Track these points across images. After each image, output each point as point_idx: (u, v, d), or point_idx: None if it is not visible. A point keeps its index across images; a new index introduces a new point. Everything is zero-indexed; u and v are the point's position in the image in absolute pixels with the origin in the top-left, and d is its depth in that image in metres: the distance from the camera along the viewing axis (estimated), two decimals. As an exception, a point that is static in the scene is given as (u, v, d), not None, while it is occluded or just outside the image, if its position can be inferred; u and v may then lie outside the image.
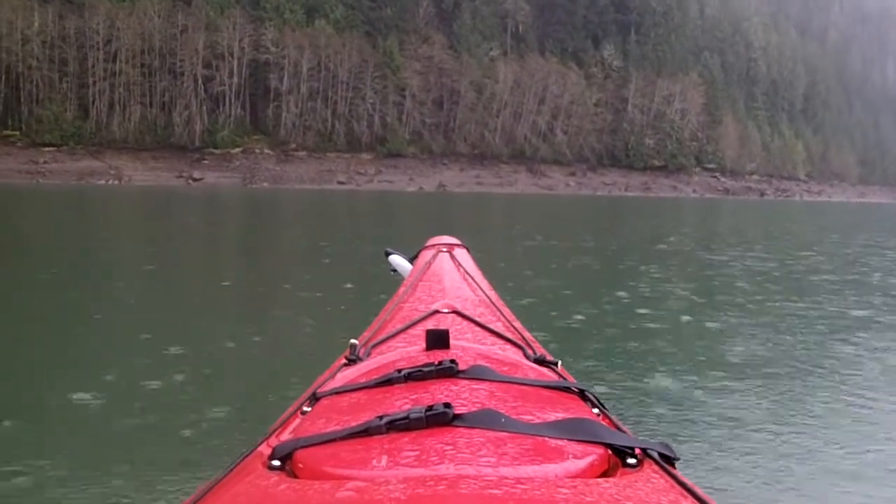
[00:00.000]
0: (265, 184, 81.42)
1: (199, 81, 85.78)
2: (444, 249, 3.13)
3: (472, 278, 2.69)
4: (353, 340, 1.81)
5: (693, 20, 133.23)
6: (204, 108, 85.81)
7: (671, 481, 0.98)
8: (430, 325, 1.90)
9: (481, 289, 2.55)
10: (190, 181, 79.06)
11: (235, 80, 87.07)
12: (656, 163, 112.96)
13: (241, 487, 1.00)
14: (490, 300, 2.41)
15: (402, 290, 2.56)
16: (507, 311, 2.34)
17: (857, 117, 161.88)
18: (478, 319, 2.04)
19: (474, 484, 0.90)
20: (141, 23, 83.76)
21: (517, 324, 2.17)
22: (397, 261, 3.60)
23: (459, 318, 2.06)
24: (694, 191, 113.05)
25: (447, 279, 2.62)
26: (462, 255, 3.15)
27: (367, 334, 2.03)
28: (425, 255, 3.15)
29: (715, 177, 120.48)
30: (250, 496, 0.97)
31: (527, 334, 2.04)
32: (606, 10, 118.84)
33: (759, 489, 4.01)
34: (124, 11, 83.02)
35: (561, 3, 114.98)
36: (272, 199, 48.73)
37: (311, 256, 15.28)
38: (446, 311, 2.13)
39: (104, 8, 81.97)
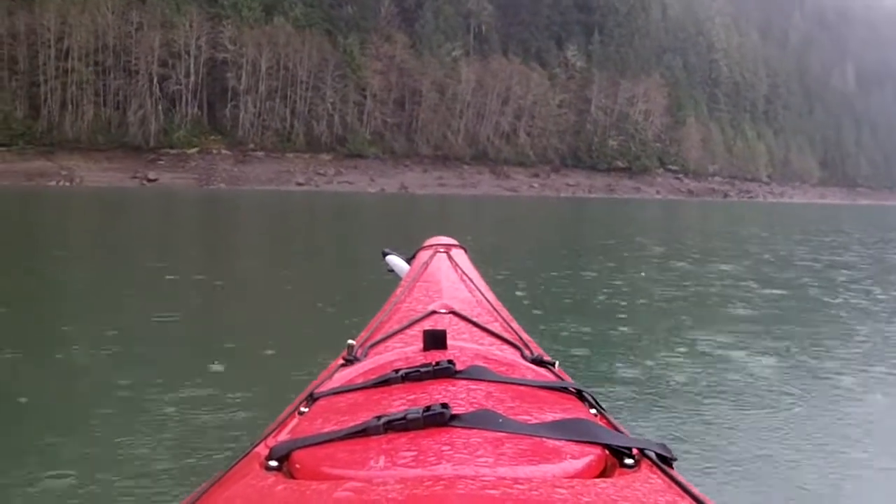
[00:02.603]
0: (222, 185, 79.68)
1: (155, 80, 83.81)
2: (442, 250, 3.16)
3: (470, 279, 2.71)
4: (350, 341, 1.83)
5: (656, 21, 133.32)
6: (159, 107, 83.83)
7: (669, 481, 0.98)
8: (428, 325, 1.93)
9: (478, 289, 2.57)
10: (144, 182, 77.08)
11: (192, 78, 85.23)
12: (620, 164, 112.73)
13: (239, 488, 1.01)
14: (487, 301, 2.41)
15: (399, 290, 2.59)
16: (504, 311, 2.34)
17: (817, 120, 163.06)
18: (475, 320, 2.06)
19: (472, 484, 0.90)
20: (94, 20, 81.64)
21: (514, 324, 2.16)
22: (394, 261, 3.67)
23: (457, 319, 2.07)
24: (657, 192, 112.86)
25: (444, 279, 2.64)
26: (459, 255, 3.16)
27: (364, 335, 2.04)
28: (422, 256, 3.18)
29: (678, 178, 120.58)
30: (247, 497, 0.97)
31: (524, 335, 2.03)
32: (569, 10, 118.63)
33: (757, 490, 3.96)
34: (76, 8, 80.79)
35: (524, 3, 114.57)
36: (233, 202, 47.08)
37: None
38: (443, 311, 2.14)
39: (55, 4, 79.81)
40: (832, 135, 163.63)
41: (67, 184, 72.03)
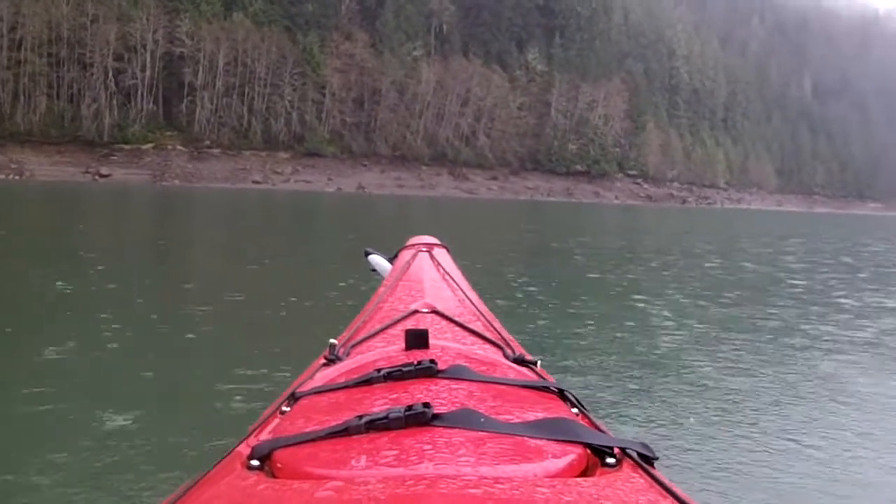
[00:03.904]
0: (176, 181, 78.47)
1: (110, 74, 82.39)
2: (424, 249, 3.17)
3: (452, 278, 2.73)
4: (332, 340, 1.84)
5: (617, 26, 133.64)
6: (114, 101, 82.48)
7: (650, 481, 0.99)
8: (410, 324, 1.95)
9: (461, 289, 2.60)
10: (97, 177, 75.71)
11: (148, 73, 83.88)
12: (579, 168, 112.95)
13: (221, 487, 1.00)
14: (469, 300, 2.45)
15: (381, 289, 2.60)
16: (486, 310, 2.38)
17: (775, 128, 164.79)
18: (457, 319, 2.08)
19: (453, 483, 0.90)
20: (48, 10, 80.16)
21: (496, 323, 2.21)
22: (377, 260, 3.66)
23: (439, 318, 2.09)
24: (616, 197, 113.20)
25: (427, 279, 2.65)
26: (441, 254, 3.18)
27: (346, 334, 2.04)
28: (405, 255, 3.20)
29: (637, 183, 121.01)
30: (229, 496, 0.97)
31: (506, 334, 2.08)
32: (531, 13, 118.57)
33: (739, 489, 4.03)
34: (30, -2, 79.36)
35: (486, 4, 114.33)
36: (188, 199, 46.35)
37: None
38: (426, 310, 2.16)
39: (9, -6, 78.31)
40: (789, 143, 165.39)
41: (17, 177, 70.60)
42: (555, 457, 1.03)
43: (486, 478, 0.93)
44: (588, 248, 22.09)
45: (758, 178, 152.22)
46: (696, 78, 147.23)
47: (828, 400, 6.05)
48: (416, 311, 2.13)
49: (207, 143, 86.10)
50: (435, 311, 2.13)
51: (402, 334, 1.71)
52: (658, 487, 0.96)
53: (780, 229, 44.83)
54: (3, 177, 69.54)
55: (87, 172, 76.51)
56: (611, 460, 1.05)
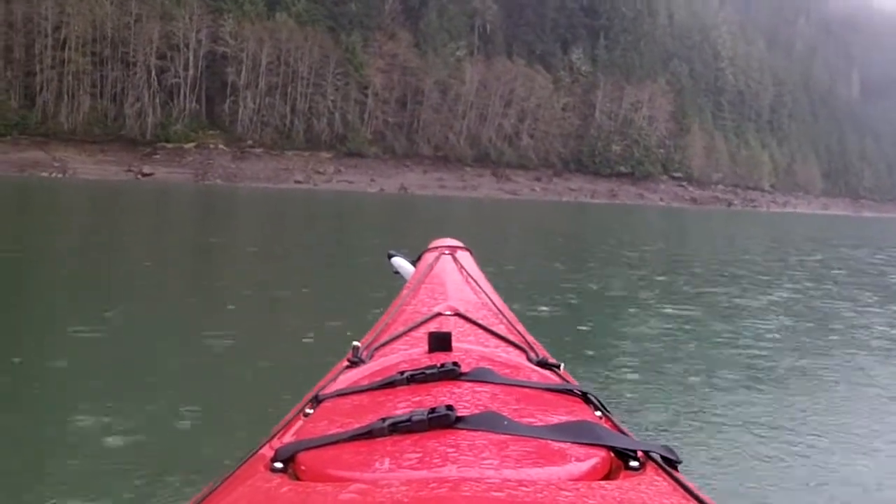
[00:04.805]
0: (218, 181, 78.27)
1: (153, 73, 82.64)
2: (447, 252, 3.14)
3: (475, 281, 2.70)
4: (355, 343, 1.84)
5: (662, 27, 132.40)
6: (157, 100, 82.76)
7: (674, 484, 0.99)
8: (433, 327, 1.96)
9: (484, 291, 2.56)
10: (139, 176, 75.72)
11: (191, 72, 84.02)
12: (623, 169, 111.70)
13: (244, 490, 1.01)
14: (492, 303, 2.43)
15: (404, 292, 2.60)
16: (509, 313, 2.36)
17: (822, 130, 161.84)
18: (480, 322, 2.07)
19: (477, 486, 0.91)
20: (92, 10, 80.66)
21: (520, 326, 2.19)
22: (400, 263, 3.64)
23: (462, 321, 2.08)
24: (661, 199, 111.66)
25: (449, 281, 2.64)
26: (464, 257, 3.16)
27: (369, 336, 2.04)
28: (428, 258, 3.17)
29: (682, 185, 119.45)
30: (252, 498, 0.97)
31: (529, 337, 2.07)
32: (576, 14, 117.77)
33: (763, 493, 3.89)
34: (75, -3, 79.65)
35: (530, 5, 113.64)
36: (230, 198, 45.66)
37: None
38: (449, 313, 2.15)
39: (54, -7, 78.68)
40: (836, 145, 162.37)
41: (60, 175, 70.73)
42: (578, 460, 1.03)
43: (509, 480, 0.94)
44: (677, 260, 20.29)
45: (803, 180, 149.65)
46: (741, 79, 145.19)
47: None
48: (439, 314, 2.12)
49: (250, 142, 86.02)
50: (458, 314, 2.11)
51: (426, 337, 1.72)
52: (682, 491, 0.96)
53: (853, 234, 42.78)
54: (46, 174, 69.66)
55: (130, 171, 76.59)
56: (634, 464, 1.05)
